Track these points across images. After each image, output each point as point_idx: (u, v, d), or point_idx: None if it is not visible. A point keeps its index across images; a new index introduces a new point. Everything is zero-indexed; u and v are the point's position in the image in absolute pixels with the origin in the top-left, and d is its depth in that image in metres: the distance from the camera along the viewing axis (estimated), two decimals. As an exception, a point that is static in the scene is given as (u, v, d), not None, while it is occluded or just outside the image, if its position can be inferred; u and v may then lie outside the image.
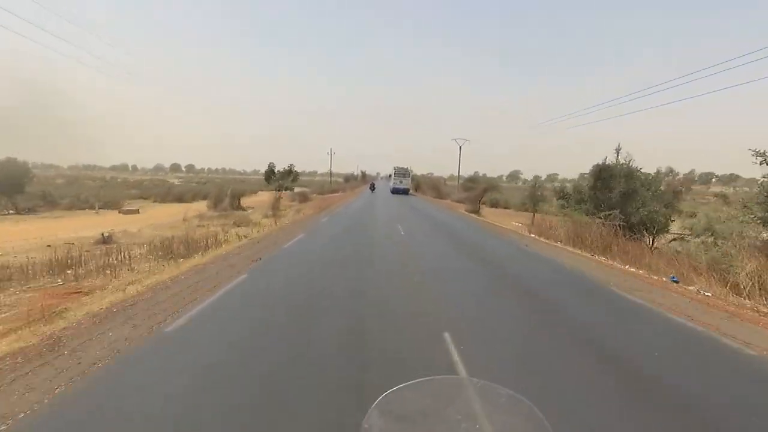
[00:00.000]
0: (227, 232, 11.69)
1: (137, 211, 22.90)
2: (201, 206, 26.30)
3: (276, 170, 25.76)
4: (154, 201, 31.84)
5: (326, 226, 14.02)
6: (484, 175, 61.59)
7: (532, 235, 14.47)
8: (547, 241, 13.29)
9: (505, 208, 40.93)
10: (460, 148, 55.31)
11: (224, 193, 26.09)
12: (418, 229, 14.19)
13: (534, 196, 23.44)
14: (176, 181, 79.27)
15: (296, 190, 60.58)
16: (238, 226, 16.02)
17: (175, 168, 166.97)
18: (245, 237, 11.20)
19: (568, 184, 16.64)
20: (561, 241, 12.79)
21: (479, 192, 25.48)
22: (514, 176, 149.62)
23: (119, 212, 22.04)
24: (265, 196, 31.31)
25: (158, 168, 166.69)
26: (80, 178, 68.48)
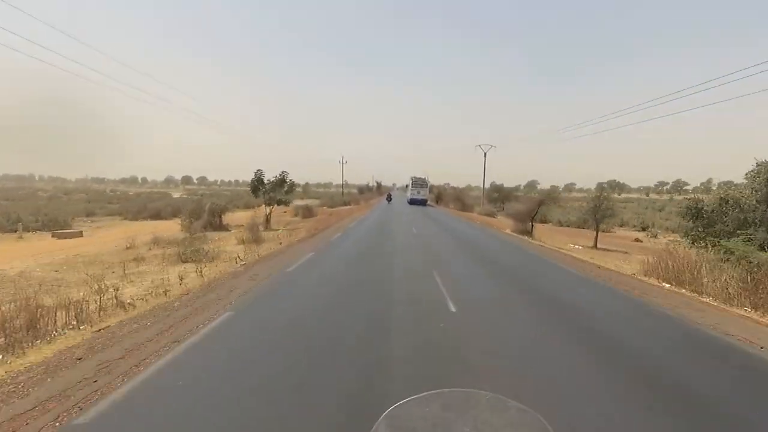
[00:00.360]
0: (118, 290, 6.07)
1: (80, 234, 17.79)
2: (174, 225, 21.07)
3: (265, 179, 20.34)
4: (124, 218, 26.91)
5: (307, 273, 8.23)
6: (502, 184, 55.15)
7: (665, 285, 8.44)
8: (703, 299, 7.28)
9: (543, 222, 34.79)
10: (485, 154, 49.58)
11: (202, 209, 20.83)
12: (472, 282, 8.16)
13: (598, 210, 17.48)
14: (179, 194, 75.78)
15: (303, 202, 55.65)
16: (185, 261, 10.59)
17: (187, 180, 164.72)
18: (132, 306, 5.60)
19: (704, 197, 10.59)
20: (747, 307, 6.75)
21: (532, 206, 19.30)
22: (531, 186, 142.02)
23: (53, 236, 16.96)
24: (264, 211, 26.02)
25: (169, 180, 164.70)
26: (73, 191, 65.12)
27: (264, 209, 20.55)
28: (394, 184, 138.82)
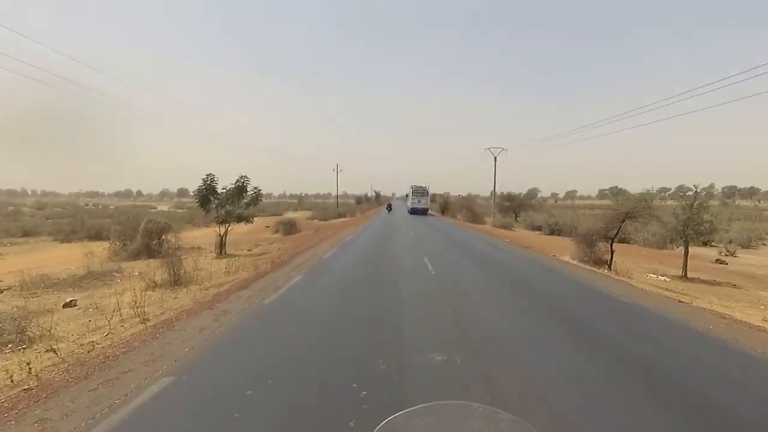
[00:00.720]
0: None
1: (-62, 270, 12.82)
2: (103, 250, 15.93)
3: (219, 188, 15.19)
4: (54, 239, 21.83)
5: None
6: (508, 193, 49.26)
7: None
8: None
9: (561, 234, 29.32)
10: (495, 159, 44.40)
11: (135, 229, 15.76)
12: None
13: (689, 225, 12.05)
14: (163, 208, 71.80)
15: (297, 214, 50.56)
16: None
17: (182, 193, 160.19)
18: None
19: None
20: None
21: (613, 220, 12.53)
22: (531, 194, 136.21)
23: None
24: (242, 229, 20.81)
25: (164, 193, 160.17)
26: (52, 205, 60.50)
27: (218, 228, 15.31)
28: (393, 194, 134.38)
